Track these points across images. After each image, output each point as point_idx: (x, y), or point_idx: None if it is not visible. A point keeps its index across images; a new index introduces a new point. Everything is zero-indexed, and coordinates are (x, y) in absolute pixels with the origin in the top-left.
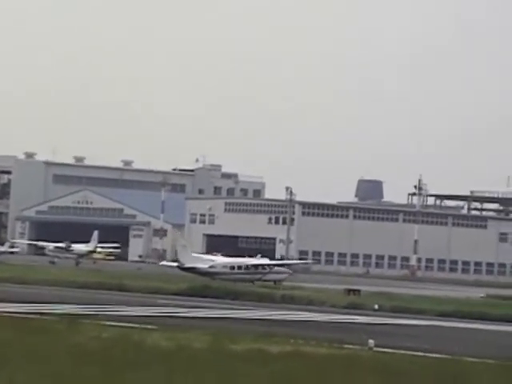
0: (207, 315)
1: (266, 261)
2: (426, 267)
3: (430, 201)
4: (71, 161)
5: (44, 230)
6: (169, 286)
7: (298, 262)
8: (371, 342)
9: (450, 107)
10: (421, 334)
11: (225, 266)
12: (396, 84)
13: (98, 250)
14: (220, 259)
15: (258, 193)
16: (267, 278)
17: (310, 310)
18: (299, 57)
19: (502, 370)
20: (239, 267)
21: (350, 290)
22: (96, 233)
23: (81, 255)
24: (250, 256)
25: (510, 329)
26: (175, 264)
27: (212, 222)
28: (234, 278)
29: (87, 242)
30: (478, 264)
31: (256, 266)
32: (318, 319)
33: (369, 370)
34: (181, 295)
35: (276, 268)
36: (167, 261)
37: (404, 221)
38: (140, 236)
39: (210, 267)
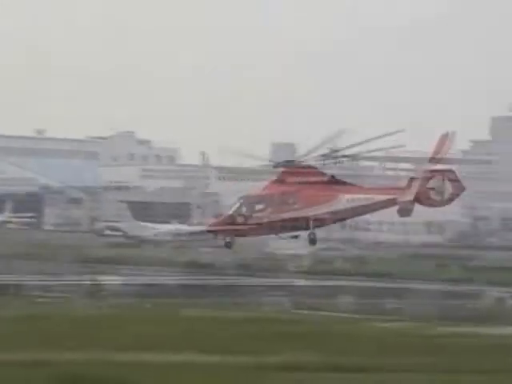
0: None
1: (183, 226)
2: None
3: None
4: None
5: None
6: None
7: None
8: (288, 303)
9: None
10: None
11: (169, 234)
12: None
13: (13, 219)
14: (164, 227)
15: (171, 158)
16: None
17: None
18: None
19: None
20: (183, 234)
21: None
22: (10, 203)
23: None
24: (166, 222)
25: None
26: (119, 233)
27: (127, 188)
28: (179, 244)
29: (1, 212)
30: None
31: (199, 233)
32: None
33: (288, 331)
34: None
35: None
36: (90, 229)
37: None
38: (55, 205)
39: (155, 235)
